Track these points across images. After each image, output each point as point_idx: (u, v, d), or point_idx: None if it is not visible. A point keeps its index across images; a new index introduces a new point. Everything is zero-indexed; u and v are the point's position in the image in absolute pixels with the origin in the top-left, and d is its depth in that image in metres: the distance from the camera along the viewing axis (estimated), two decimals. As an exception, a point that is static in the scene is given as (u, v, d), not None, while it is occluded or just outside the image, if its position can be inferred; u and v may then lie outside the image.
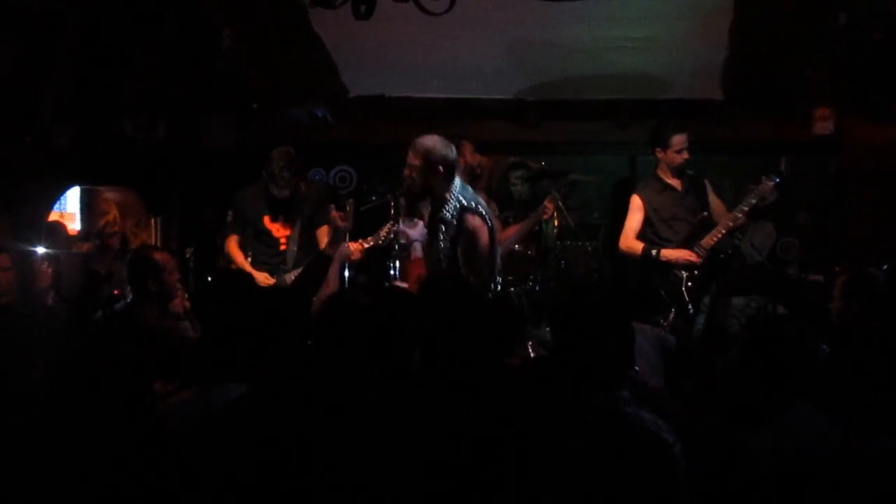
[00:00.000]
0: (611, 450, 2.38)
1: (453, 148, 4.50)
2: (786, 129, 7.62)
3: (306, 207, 5.84)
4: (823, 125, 7.51)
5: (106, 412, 2.45)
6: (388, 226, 5.33)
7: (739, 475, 2.26)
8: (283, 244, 5.79)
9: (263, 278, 5.56)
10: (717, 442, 2.47)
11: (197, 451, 2.49)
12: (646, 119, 6.99)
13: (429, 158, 4.39)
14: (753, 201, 5.42)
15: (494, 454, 2.48)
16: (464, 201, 4.44)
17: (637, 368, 2.76)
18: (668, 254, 5.56)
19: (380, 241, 5.28)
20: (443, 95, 7.57)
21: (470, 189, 4.61)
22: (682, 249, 5.53)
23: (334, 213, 4.95)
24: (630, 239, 5.76)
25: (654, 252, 5.58)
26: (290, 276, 5.59)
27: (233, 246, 5.83)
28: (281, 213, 5.77)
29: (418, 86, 7.53)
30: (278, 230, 5.79)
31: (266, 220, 5.78)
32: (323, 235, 5.68)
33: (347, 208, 4.96)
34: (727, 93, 7.34)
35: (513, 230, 6.40)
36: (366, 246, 5.12)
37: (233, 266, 5.80)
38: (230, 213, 5.85)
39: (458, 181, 4.48)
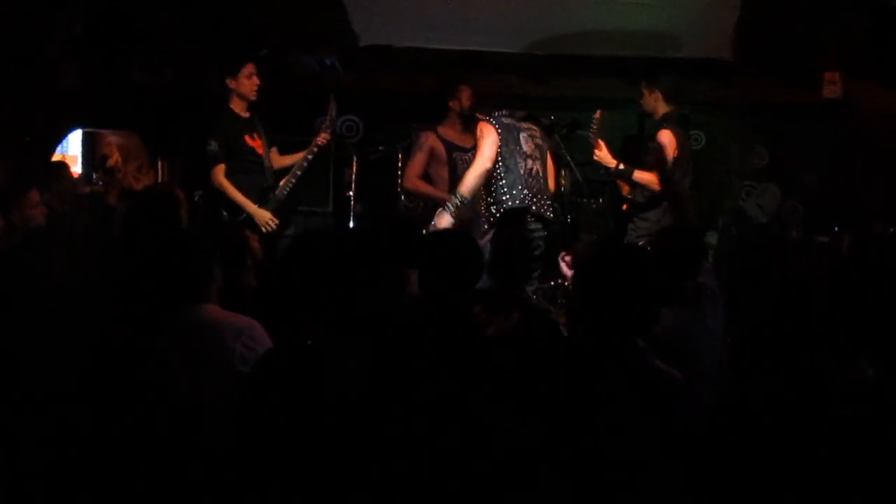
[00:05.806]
0: (632, 397, 2.39)
1: None
2: (795, 91, 7.62)
3: None
4: (832, 89, 7.51)
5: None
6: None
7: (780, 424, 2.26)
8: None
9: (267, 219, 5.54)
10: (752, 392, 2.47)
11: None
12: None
13: None
14: None
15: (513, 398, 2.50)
16: None
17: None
18: None
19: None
20: (453, 47, 7.53)
21: None
22: None
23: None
24: None
25: None
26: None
27: (223, 178, 5.62)
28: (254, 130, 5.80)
29: (428, 37, 7.49)
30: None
31: (246, 138, 5.73)
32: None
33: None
34: (738, 53, 7.32)
35: None
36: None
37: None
38: (214, 143, 5.69)
39: None
